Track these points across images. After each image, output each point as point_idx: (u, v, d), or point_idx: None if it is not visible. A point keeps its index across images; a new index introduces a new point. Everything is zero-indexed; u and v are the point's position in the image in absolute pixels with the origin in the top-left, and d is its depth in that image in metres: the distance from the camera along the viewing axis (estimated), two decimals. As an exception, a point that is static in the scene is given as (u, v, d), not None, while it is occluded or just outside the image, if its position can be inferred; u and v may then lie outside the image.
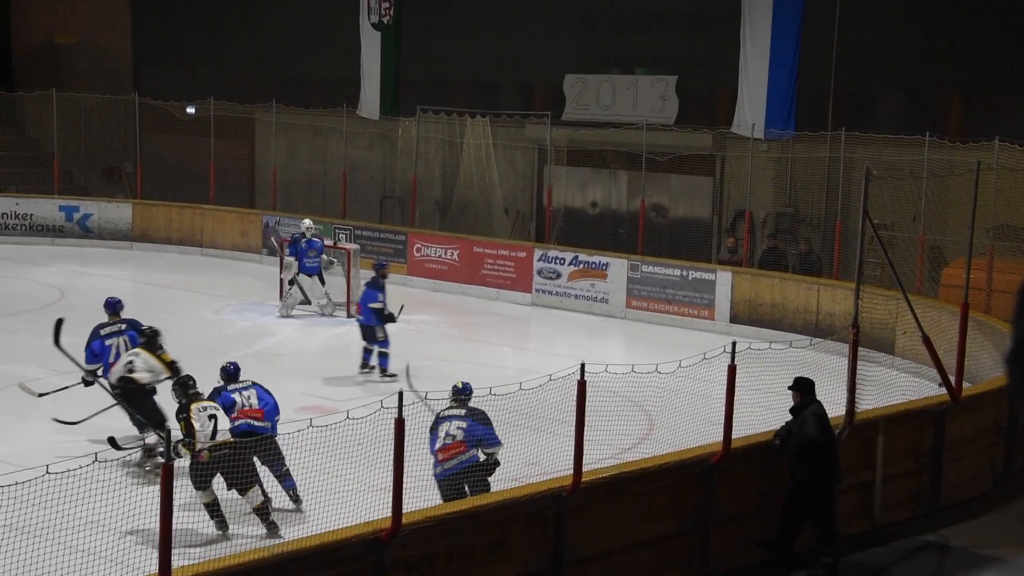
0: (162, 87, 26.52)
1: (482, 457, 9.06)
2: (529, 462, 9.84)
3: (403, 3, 23.21)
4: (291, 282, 18.02)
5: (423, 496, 8.48)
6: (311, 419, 7.70)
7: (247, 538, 7.93)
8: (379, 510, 7.60)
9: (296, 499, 9.75)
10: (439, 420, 9.25)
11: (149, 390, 11.06)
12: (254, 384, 10.28)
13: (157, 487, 6.54)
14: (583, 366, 8.23)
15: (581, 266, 19.26)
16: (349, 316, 17.82)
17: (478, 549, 7.87)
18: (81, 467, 6.54)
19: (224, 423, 9.47)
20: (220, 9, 27.33)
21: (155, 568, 6.54)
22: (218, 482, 9.12)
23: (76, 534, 7.66)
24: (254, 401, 10.07)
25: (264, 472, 9.62)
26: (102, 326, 11.93)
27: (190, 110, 25.56)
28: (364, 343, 14.63)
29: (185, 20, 27.78)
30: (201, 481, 9.10)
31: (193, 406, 9.51)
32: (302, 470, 9.50)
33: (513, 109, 23.05)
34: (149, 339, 11.30)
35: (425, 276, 21.00)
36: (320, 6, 25.42)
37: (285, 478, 9.75)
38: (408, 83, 23.65)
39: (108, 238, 24.17)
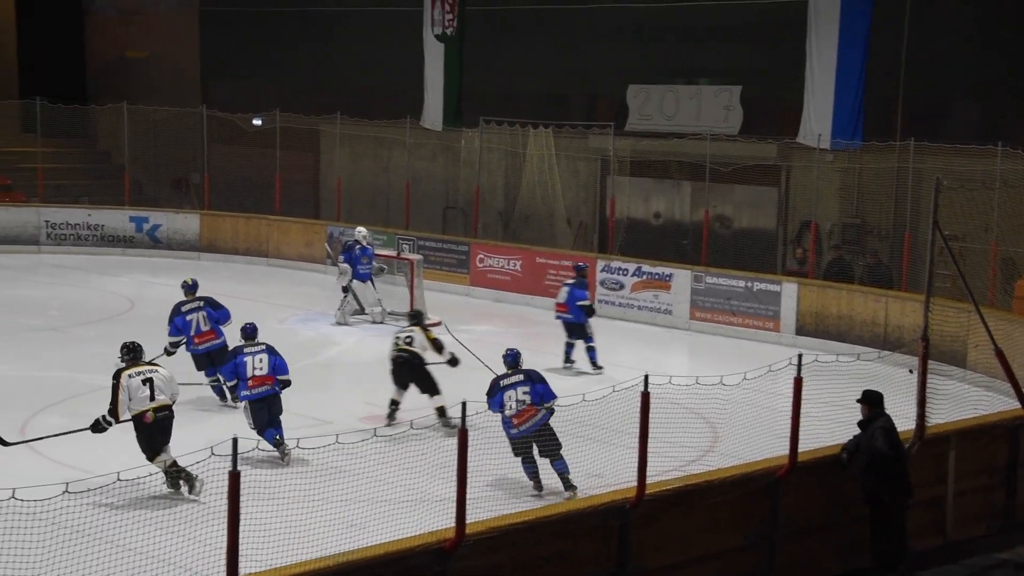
0: (229, 100, 26.90)
1: (543, 411, 10.26)
2: (592, 473, 9.81)
3: (466, 15, 23.32)
4: (345, 289, 18.21)
5: (487, 507, 8.48)
6: (375, 429, 7.74)
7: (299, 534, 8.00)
8: (443, 520, 7.61)
9: (283, 451, 10.89)
10: (501, 388, 10.33)
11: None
12: (267, 348, 11.53)
13: (225, 493, 6.60)
14: (647, 377, 8.19)
15: (644, 277, 19.18)
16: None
17: (541, 561, 7.85)
18: (151, 474, 6.63)
19: (162, 385, 10.05)
20: (286, 23, 27.68)
21: (223, 574, 6.61)
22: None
23: (147, 539, 7.77)
24: (264, 367, 11.31)
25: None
26: (183, 303, 13.61)
27: (256, 122, 25.90)
28: (568, 339, 15.58)
29: (252, 34, 28.18)
30: (151, 448, 9.68)
31: (124, 373, 10.02)
32: (366, 479, 9.55)
33: (576, 120, 23.06)
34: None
35: (488, 287, 21.04)
36: (384, 19, 25.64)
37: (278, 427, 11.22)
38: (471, 94, 23.75)
39: (176, 248, 24.55)
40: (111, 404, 9.88)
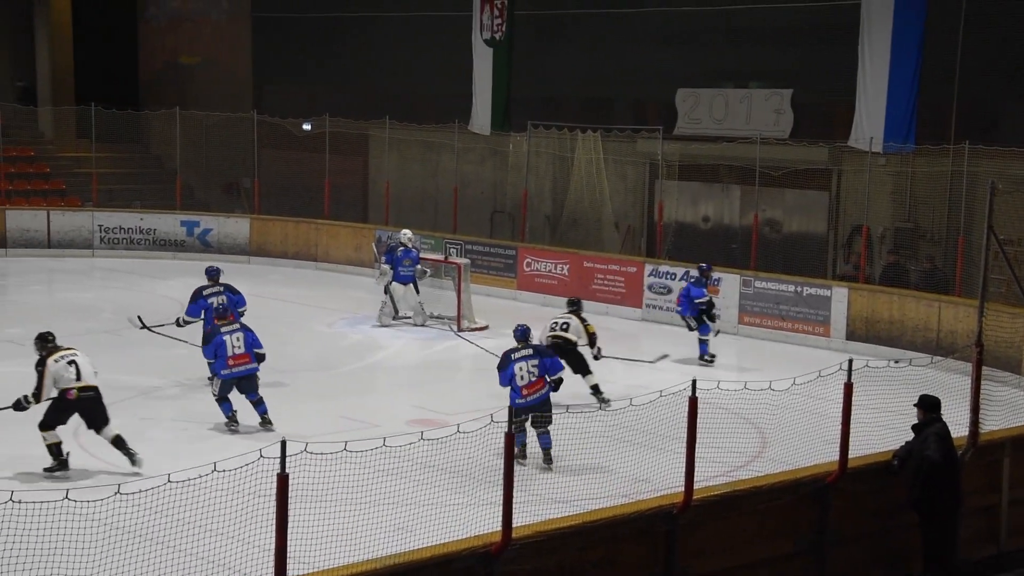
0: (280, 105, 27.15)
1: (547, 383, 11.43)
2: (639, 478, 9.77)
3: (515, 20, 23.35)
4: (385, 290, 18.31)
5: (533, 510, 8.47)
6: (422, 432, 7.76)
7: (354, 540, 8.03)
8: (489, 524, 7.61)
9: (266, 422, 12.12)
10: (511, 360, 11.32)
11: None
12: (242, 327, 12.40)
13: (273, 496, 6.65)
14: (694, 382, 8.14)
15: (693, 281, 19.04)
16: (460, 331, 17.93)
17: (588, 565, 7.83)
18: (201, 476, 6.70)
19: (86, 367, 10.75)
20: (336, 28, 27.88)
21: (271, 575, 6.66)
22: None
23: (197, 541, 7.85)
24: (242, 345, 12.20)
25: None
26: (204, 288, 14.54)
27: (306, 127, 26.12)
28: (699, 336, 16.38)
29: (302, 40, 28.41)
30: (53, 421, 10.61)
31: (50, 359, 10.67)
32: (413, 482, 9.57)
33: (624, 124, 22.99)
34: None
35: (535, 291, 21.03)
36: (433, 24, 25.74)
37: (259, 404, 12.22)
38: (519, 99, 23.78)
39: (227, 252, 24.79)
40: (35, 387, 10.61)
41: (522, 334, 11.65)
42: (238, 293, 14.75)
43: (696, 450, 8.16)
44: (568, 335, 13.42)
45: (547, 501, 9.27)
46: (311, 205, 25.13)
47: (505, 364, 11.31)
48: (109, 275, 22.92)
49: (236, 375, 12.17)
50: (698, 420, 8.17)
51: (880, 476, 9.25)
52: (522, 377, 11.15)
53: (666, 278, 19.39)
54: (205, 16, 30.58)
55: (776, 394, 9.02)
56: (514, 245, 21.91)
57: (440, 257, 19.97)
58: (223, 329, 12.31)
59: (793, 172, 19.72)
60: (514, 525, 7.34)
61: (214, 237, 25.00)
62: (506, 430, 7.37)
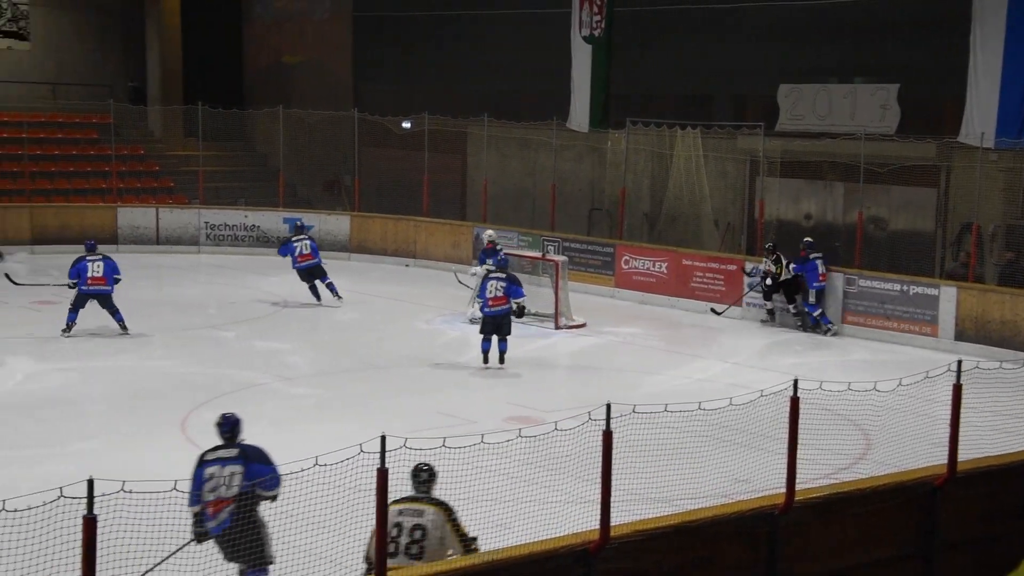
0: (380, 103, 27.45)
1: (514, 306, 15.78)
2: (739, 479, 9.64)
3: (614, 16, 23.24)
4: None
5: (632, 509, 8.41)
6: (519, 429, 7.76)
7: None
8: (587, 522, 7.58)
9: (123, 328, 16.44)
10: (487, 279, 15.38)
11: None
12: (103, 257, 16.51)
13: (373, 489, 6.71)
14: (796, 382, 8.00)
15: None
16: (557, 328, 17.92)
17: (687, 565, 7.75)
18: (303, 470, 6.79)
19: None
20: (435, 27, 28.08)
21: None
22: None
23: (296, 533, 7.96)
24: (100, 271, 16.26)
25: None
26: (293, 237, 20.07)
27: (406, 125, 26.36)
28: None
29: (402, 38, 28.69)
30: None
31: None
32: (509, 480, 9.58)
33: (724, 120, 22.73)
34: None
35: (633, 288, 20.91)
36: (532, 21, 25.76)
37: (115, 313, 16.47)
38: (618, 95, 23.66)
39: (327, 249, 25.12)
40: None
41: (500, 262, 16.39)
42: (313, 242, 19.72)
43: (798, 451, 8.01)
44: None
45: (646, 500, 9.18)
46: (410, 203, 25.36)
47: (483, 283, 15.45)
48: (214, 271, 23.44)
49: (93, 292, 16.32)
50: (800, 421, 8.02)
51: (991, 480, 8.98)
52: (491, 291, 15.02)
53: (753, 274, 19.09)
54: (308, 16, 31.07)
55: (881, 395, 8.81)
56: (612, 242, 21.81)
57: (538, 254, 19.98)
58: (88, 258, 16.40)
59: (899, 169, 19.26)
60: (612, 524, 7.29)
61: (315, 234, 25.37)
62: (604, 428, 7.33)
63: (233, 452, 7.78)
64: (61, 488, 5.89)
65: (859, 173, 19.13)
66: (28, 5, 29.71)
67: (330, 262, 24.41)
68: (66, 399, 13.37)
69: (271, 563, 7.65)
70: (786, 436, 8.02)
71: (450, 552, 7.07)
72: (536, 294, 18.81)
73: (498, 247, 18.57)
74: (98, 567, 5.99)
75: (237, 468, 7.64)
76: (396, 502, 7.15)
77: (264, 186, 28.16)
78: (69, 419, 12.40)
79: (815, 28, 22.08)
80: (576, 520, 7.82)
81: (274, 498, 7.71)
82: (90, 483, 5.85)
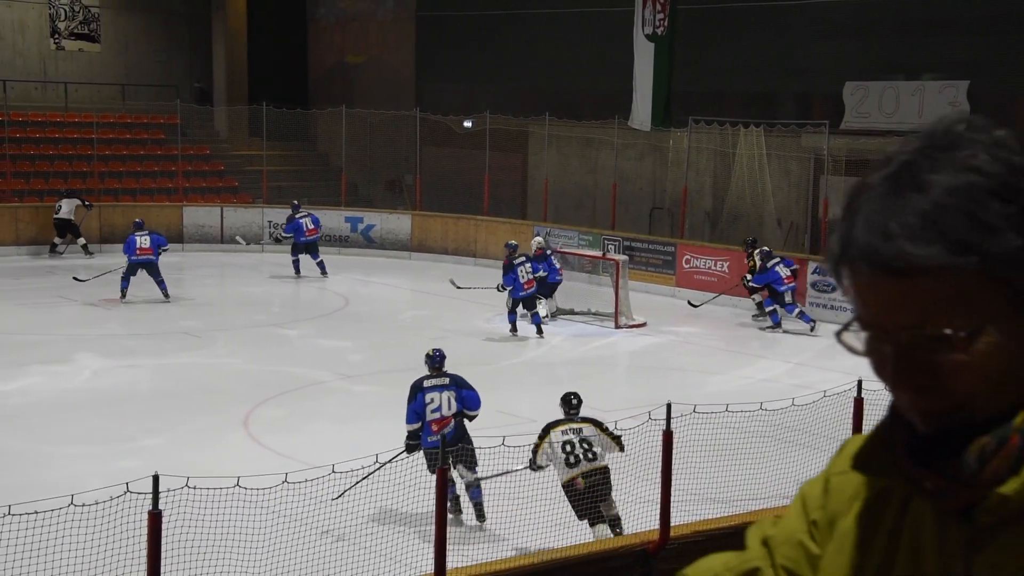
0: (442, 102, 27.56)
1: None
2: (802, 480, 9.51)
3: (677, 14, 23.10)
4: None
5: (691, 510, 8.36)
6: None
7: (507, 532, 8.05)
8: (647, 522, 7.55)
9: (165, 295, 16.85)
10: (515, 265, 17.13)
11: None
12: (151, 232, 18.42)
13: (432, 489, 6.74)
14: (860, 383, 7.90)
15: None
16: (617, 327, 17.86)
17: (748, 568, 7.67)
18: (364, 467, 6.83)
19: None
20: (497, 26, 28.13)
21: (431, 568, 6.75)
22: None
23: (359, 529, 8.02)
24: (146, 243, 18.16)
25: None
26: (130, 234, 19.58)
27: (467, 124, 26.43)
28: None
29: (464, 38, 28.77)
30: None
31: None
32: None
33: (788, 118, 22.48)
34: None
35: (694, 288, 20.77)
36: (594, 20, 25.70)
37: (160, 282, 18.11)
38: (680, 94, 23.51)
39: (389, 248, 25.31)
40: None
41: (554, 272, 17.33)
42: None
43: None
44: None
45: (706, 501, 9.13)
46: (471, 202, 25.42)
47: (508, 269, 16.67)
48: (277, 270, 23.69)
49: (140, 261, 18.42)
50: (864, 421, 7.91)
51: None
52: (523, 276, 16.52)
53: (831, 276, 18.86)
54: (371, 16, 31.29)
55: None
56: (673, 242, 21.68)
57: (598, 253, 19.93)
58: (137, 233, 18.82)
59: (967, 167, 18.92)
60: (672, 524, 7.26)
61: (377, 233, 25.55)
62: (664, 428, 7.29)
63: (445, 380, 9.67)
64: (127, 483, 5.99)
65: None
66: (99, 7, 30.27)
67: (391, 261, 24.63)
68: (133, 395, 13.60)
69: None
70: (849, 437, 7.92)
71: (612, 452, 8.81)
72: (596, 293, 18.77)
73: (548, 252, 18.51)
74: (163, 561, 6.08)
75: (452, 392, 9.58)
76: (555, 425, 8.92)
77: (326, 185, 28.41)
78: (136, 416, 12.61)
79: (882, 24, 21.76)
80: (636, 520, 7.79)
81: (475, 417, 9.59)
82: (155, 479, 5.94)
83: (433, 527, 6.67)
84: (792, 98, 23.83)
